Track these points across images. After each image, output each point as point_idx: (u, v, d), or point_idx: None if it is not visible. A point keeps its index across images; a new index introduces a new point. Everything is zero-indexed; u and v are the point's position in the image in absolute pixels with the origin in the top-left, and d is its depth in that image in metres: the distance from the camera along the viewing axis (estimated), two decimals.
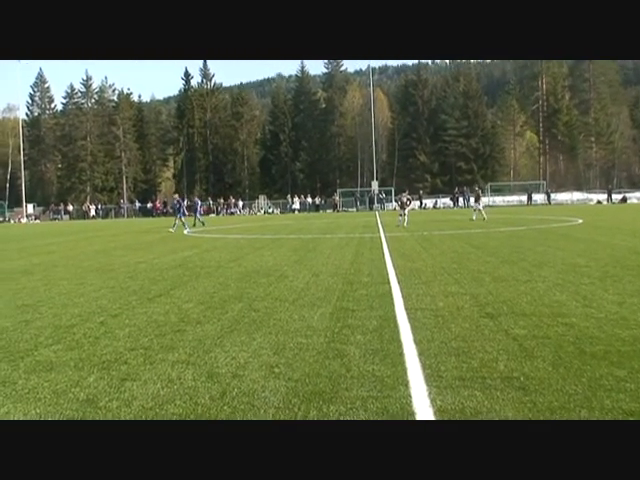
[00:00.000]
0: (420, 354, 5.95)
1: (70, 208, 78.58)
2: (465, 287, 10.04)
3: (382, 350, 6.16)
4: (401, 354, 6.00)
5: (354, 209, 71.95)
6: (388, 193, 73.03)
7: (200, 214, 42.02)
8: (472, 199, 43.77)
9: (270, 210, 75.31)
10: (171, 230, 31.05)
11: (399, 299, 9.03)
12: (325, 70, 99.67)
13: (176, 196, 38.57)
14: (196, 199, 46.47)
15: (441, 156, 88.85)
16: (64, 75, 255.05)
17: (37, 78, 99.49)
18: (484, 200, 67.41)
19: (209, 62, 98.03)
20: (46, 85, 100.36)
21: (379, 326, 7.27)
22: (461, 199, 69.59)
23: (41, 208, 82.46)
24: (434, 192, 79.34)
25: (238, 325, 7.67)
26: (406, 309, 8.24)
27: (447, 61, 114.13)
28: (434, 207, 70.08)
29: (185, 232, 30.22)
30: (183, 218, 33.02)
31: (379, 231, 26.46)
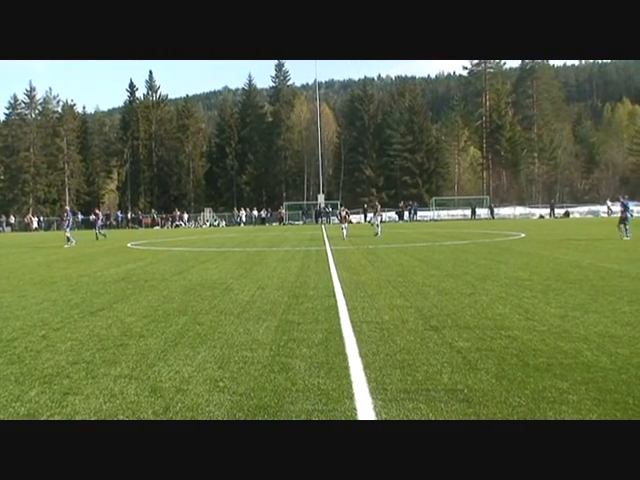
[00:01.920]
0: (365, 367, 5.97)
1: (12, 220, 76.70)
2: (410, 300, 10.11)
3: (327, 363, 6.16)
4: (346, 367, 6.00)
5: (300, 222, 72.08)
6: (334, 207, 73.43)
7: (100, 227, 41.93)
8: (370, 214, 45.26)
9: (216, 223, 74.80)
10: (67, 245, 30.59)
11: (345, 312, 9.05)
12: (272, 84, 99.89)
13: (67, 208, 39.81)
14: (98, 212, 46.20)
15: (386, 170, 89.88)
16: (7, 85, 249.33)
17: None
18: (428, 214, 68.69)
19: (155, 73, 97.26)
20: None
21: (324, 339, 7.27)
22: (406, 213, 70.37)
23: None
24: (382, 206, 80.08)
25: (182, 339, 7.57)
26: (351, 322, 8.26)
27: (393, 77, 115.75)
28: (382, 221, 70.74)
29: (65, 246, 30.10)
30: (68, 231, 32.74)
31: (325, 244, 26.53)
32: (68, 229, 33.07)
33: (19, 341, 7.68)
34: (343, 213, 32.55)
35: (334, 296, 10.73)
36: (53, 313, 9.77)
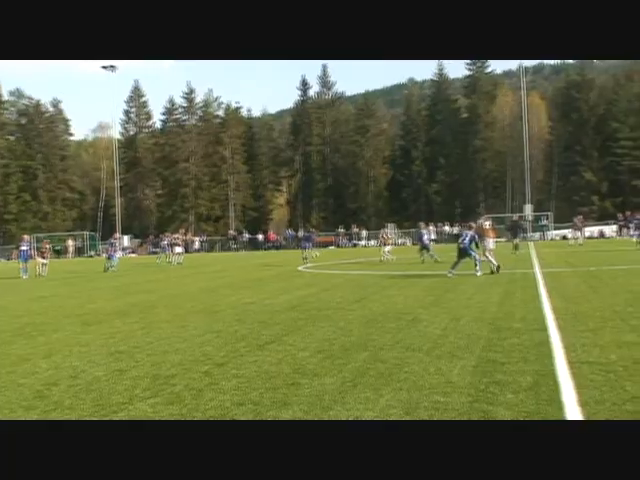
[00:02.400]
0: (587, 419, 5.76)
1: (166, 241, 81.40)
2: None
3: (538, 413, 6.01)
4: (562, 418, 5.82)
5: (503, 239, 70.65)
6: (538, 219, 71.43)
7: (113, 256, 38.91)
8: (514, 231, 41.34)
9: (400, 241, 75.21)
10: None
11: (559, 350, 8.78)
12: (467, 72, 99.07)
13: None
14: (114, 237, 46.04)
15: (611, 173, 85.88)
16: (163, 88, 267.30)
17: (132, 91, 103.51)
18: None
19: (330, 69, 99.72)
20: (143, 99, 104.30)
21: (534, 383, 7.10)
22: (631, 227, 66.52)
23: (138, 240, 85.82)
24: (603, 217, 76.31)
25: (362, 378, 7.70)
26: (568, 362, 8.01)
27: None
28: (601, 236, 67.58)
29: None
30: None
31: (533, 266, 25.86)
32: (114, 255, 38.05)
33: (179, 378, 8.17)
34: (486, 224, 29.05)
35: (546, 330, 10.45)
36: (217, 346, 10.30)
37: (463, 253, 22.74)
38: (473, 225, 26.46)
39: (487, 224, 28.38)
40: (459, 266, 22.59)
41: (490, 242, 24.19)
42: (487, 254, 23.60)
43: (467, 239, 22.73)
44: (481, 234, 24.29)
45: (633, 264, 25.11)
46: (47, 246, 38.05)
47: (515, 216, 43.07)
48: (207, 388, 7.55)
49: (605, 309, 12.72)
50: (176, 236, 47.76)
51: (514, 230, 40.68)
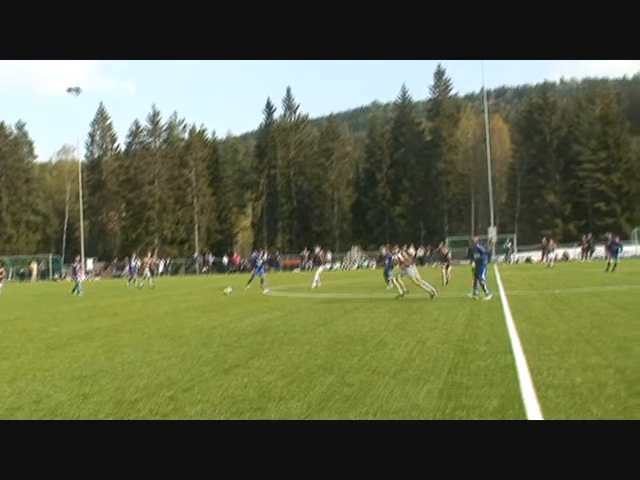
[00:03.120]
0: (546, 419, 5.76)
1: (133, 263, 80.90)
2: (609, 358, 9.71)
3: None
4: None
5: (467, 262, 71.08)
6: (502, 242, 71.98)
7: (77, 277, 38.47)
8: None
9: (365, 263, 75.49)
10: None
11: (525, 373, 8.81)
12: (430, 95, 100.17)
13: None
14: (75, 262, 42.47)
15: (575, 196, 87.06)
16: (128, 110, 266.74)
17: (97, 113, 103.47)
18: (630, 249, 65.38)
19: (294, 92, 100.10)
20: (107, 122, 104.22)
21: (501, 407, 7.10)
22: (603, 249, 67.16)
23: (102, 263, 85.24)
24: (567, 240, 77.17)
25: (328, 403, 7.66)
26: (534, 386, 8.03)
27: (579, 80, 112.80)
28: (565, 258, 68.31)
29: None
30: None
31: (498, 288, 26.04)
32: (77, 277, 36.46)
33: (143, 402, 8.06)
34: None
35: (512, 353, 10.49)
36: (182, 370, 10.20)
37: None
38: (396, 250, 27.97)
39: (399, 254, 28.33)
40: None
41: (410, 270, 23.82)
42: (418, 283, 23.25)
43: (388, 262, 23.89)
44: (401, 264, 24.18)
45: (598, 286, 25.38)
46: (0, 270, 35.26)
47: (475, 239, 42.15)
48: (172, 413, 7.46)
49: (570, 332, 12.81)
50: (148, 260, 47.85)
51: (472, 254, 38.50)
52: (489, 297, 20.95)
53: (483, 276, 21.61)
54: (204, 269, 78.20)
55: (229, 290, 28.14)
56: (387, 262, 24.84)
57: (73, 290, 36.08)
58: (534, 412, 6.78)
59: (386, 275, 25.80)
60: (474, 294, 21.42)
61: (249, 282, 34.12)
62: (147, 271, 44.52)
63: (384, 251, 29.72)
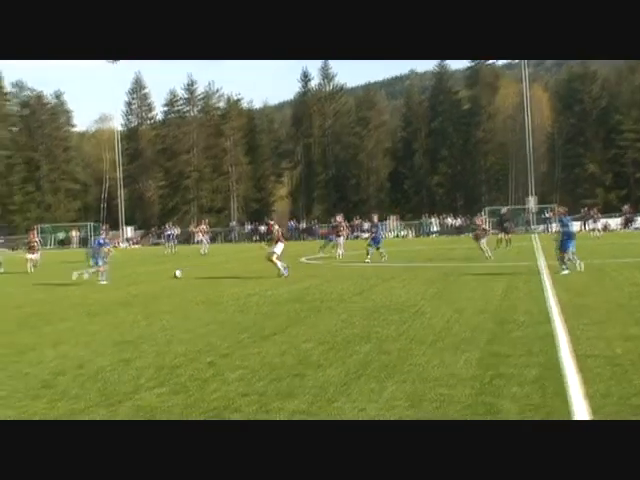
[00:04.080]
0: (593, 413, 5.74)
1: (175, 231, 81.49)
2: None
3: (544, 406, 6.00)
4: (568, 412, 5.81)
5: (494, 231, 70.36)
6: (542, 210, 71.14)
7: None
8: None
9: (402, 233, 75.17)
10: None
11: (564, 343, 8.77)
12: (468, 63, 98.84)
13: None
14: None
15: (616, 165, 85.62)
16: (164, 79, 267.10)
17: (134, 83, 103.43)
18: None
19: (331, 61, 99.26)
20: (144, 91, 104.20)
21: (539, 376, 7.08)
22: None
23: (141, 231, 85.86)
24: (607, 210, 76.02)
25: (366, 370, 7.70)
26: (574, 355, 7.99)
27: None
28: (605, 229, 67.34)
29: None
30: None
31: (537, 259, 25.83)
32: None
33: (183, 368, 8.18)
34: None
35: (550, 323, 10.44)
36: (220, 337, 10.31)
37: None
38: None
39: (339, 220, 30.00)
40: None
41: (339, 239, 29.73)
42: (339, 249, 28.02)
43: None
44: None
45: (638, 257, 25.08)
46: (35, 239, 32.28)
47: (504, 209, 41.16)
48: (212, 378, 7.56)
49: (610, 302, 12.70)
50: (202, 227, 49.14)
51: (503, 224, 37.43)
52: (566, 272, 18.94)
53: (570, 248, 19.67)
54: (254, 238, 78.04)
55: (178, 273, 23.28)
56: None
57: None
58: (573, 382, 6.75)
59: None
60: (564, 268, 19.21)
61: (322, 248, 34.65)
62: (203, 238, 45.54)
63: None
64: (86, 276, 21.42)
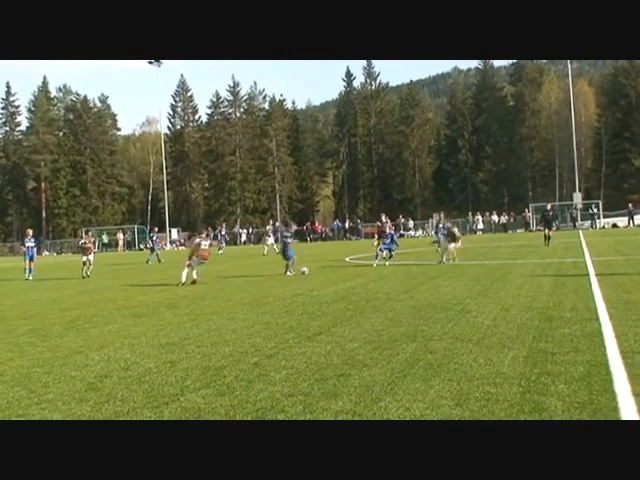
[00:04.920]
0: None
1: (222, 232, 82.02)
2: None
3: (591, 403, 5.93)
4: (615, 409, 5.73)
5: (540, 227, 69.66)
6: (588, 207, 70.16)
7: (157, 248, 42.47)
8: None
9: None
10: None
11: (612, 340, 8.65)
12: (512, 60, 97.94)
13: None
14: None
15: None
16: (208, 82, 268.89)
17: (179, 86, 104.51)
18: None
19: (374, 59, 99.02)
20: (189, 94, 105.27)
21: (587, 373, 7.00)
22: None
23: (186, 233, 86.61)
24: None
25: (412, 369, 7.67)
26: (621, 352, 7.88)
27: None
28: None
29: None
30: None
31: (584, 255, 25.51)
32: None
33: (229, 369, 8.22)
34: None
35: (598, 320, 10.30)
36: (266, 338, 10.35)
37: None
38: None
39: (384, 220, 29.50)
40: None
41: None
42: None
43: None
44: None
45: None
46: (90, 240, 31.57)
47: (548, 205, 40.95)
48: (257, 379, 7.59)
49: None
50: (269, 227, 50.92)
51: (546, 221, 37.58)
52: None
53: None
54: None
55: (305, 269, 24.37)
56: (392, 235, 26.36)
57: (147, 261, 38.91)
58: (621, 379, 6.66)
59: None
60: None
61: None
62: (270, 239, 46.05)
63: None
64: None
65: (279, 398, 6.69)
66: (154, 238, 41.74)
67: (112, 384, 7.77)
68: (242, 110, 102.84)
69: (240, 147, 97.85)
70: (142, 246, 79.32)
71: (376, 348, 9.03)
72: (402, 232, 74.10)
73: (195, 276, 21.26)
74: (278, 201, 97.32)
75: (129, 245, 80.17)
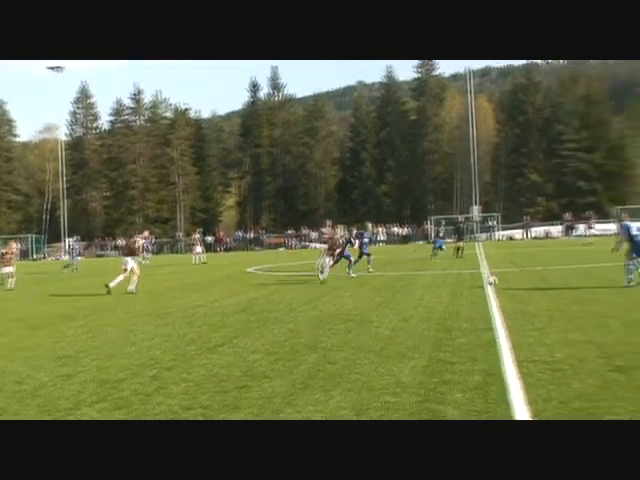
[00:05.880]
0: (534, 417, 5.83)
1: (118, 242, 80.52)
2: (589, 334, 9.81)
3: (487, 412, 6.06)
4: (510, 417, 5.88)
5: (451, 239, 71.23)
6: (484, 219, 72.18)
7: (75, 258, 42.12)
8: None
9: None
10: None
11: (507, 349, 8.88)
12: (415, 75, 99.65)
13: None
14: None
15: (557, 175, 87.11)
16: (110, 89, 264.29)
17: (79, 92, 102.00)
18: (610, 227, 65.30)
19: (280, 71, 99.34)
20: (90, 100, 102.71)
21: (483, 382, 7.16)
22: (582, 227, 67.15)
23: (84, 243, 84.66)
24: (548, 218, 77.40)
25: (312, 380, 7.70)
26: (515, 362, 8.10)
27: (562, 60, 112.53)
28: (547, 236, 68.51)
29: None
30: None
31: (481, 266, 26.13)
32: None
33: (127, 382, 8.07)
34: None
35: (493, 330, 10.56)
36: (165, 350, 10.21)
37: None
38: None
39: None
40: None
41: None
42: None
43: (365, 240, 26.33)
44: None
45: (580, 264, 25.52)
46: (14, 248, 29.01)
47: (461, 217, 42.28)
48: (155, 392, 7.47)
49: (552, 308, 12.91)
50: (195, 237, 48.14)
51: (459, 233, 39.04)
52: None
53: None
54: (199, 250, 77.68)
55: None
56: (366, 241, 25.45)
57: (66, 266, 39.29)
58: (515, 387, 6.84)
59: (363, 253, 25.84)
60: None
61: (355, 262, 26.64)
62: (198, 248, 44.48)
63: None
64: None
65: (178, 411, 6.61)
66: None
67: (4, 398, 7.53)
68: (145, 118, 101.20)
69: (142, 155, 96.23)
70: (37, 256, 77.33)
71: (278, 359, 9.02)
72: (305, 243, 74.48)
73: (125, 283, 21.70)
74: (181, 211, 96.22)
75: (24, 255, 77.77)
